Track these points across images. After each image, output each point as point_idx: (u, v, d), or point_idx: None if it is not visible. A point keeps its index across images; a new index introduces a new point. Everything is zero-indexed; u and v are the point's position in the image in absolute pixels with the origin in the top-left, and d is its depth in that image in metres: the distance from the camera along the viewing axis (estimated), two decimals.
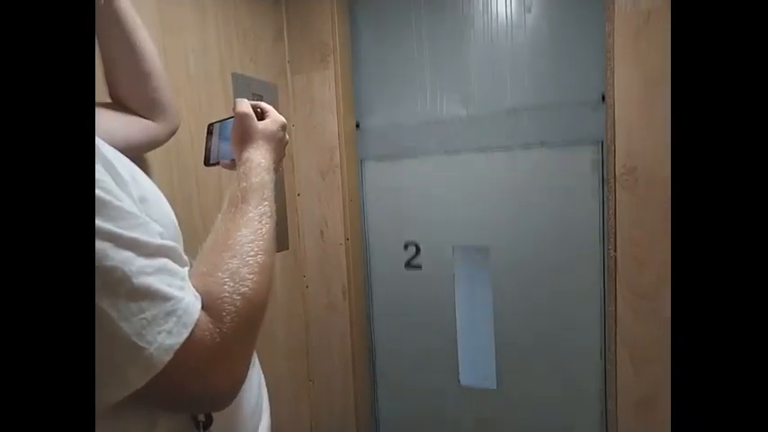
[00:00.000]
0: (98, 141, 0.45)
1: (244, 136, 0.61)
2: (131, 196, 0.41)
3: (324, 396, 1.57)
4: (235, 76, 1.25)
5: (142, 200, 0.44)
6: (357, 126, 1.54)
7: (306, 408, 1.57)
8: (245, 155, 0.59)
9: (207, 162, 0.70)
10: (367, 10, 1.51)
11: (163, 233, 0.39)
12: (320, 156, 1.48)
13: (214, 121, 0.71)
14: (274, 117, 0.65)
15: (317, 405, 1.58)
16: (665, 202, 1.12)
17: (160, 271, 0.36)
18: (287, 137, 0.67)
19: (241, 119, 0.61)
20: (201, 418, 0.45)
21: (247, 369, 0.42)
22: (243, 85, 1.28)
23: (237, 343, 0.40)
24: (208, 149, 0.69)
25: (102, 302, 0.32)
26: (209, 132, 0.70)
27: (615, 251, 1.18)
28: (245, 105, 0.63)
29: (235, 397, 0.42)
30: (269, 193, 0.54)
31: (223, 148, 0.68)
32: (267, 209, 0.51)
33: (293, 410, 1.50)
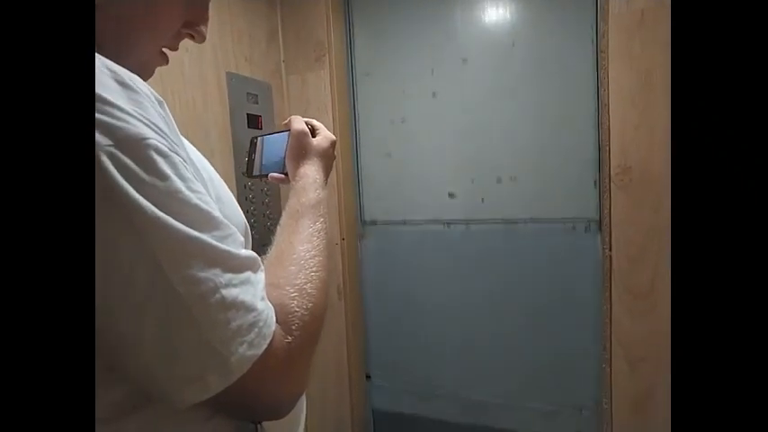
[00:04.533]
0: (185, 141, 0.44)
1: (300, 152, 0.62)
2: (212, 198, 0.41)
3: (317, 400, 1.56)
4: (229, 76, 1.24)
5: (218, 199, 0.45)
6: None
7: None
8: (302, 170, 0.60)
9: (250, 174, 0.71)
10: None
11: (243, 242, 0.40)
12: None
13: (258, 134, 0.72)
14: (326, 134, 0.67)
15: (310, 409, 1.56)
16: (660, 200, 1.12)
17: (245, 283, 0.37)
18: (336, 154, 0.68)
19: (298, 136, 0.63)
20: None
21: (308, 381, 0.44)
22: (238, 85, 1.27)
23: (302, 355, 0.42)
24: (251, 162, 0.71)
25: (195, 310, 0.34)
26: (252, 145, 0.71)
27: (610, 250, 1.19)
28: (301, 123, 0.64)
29: (294, 407, 0.44)
30: (323, 209, 0.56)
31: (267, 161, 0.69)
32: (323, 224, 0.54)
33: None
